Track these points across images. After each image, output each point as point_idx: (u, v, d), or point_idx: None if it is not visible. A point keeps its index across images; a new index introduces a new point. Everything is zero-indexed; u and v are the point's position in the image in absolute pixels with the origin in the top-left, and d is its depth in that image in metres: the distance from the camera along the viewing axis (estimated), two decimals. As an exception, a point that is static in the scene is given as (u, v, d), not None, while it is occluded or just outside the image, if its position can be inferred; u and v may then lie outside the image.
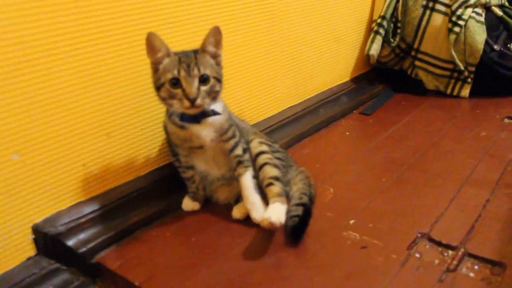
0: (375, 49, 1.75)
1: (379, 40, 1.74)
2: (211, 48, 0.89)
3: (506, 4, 1.77)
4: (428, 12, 1.67)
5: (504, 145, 1.27)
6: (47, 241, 0.89)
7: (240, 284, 0.80)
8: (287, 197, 1.01)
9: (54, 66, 0.86)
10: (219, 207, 1.05)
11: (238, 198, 1.00)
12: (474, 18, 1.61)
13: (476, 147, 1.26)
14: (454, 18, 1.62)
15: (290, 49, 1.42)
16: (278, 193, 0.94)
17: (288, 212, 0.92)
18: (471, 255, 0.83)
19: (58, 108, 0.88)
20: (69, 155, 0.92)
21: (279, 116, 1.42)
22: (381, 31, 1.73)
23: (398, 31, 1.73)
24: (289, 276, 0.81)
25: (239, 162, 0.97)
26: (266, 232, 0.92)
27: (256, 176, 0.98)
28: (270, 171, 0.97)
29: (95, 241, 0.91)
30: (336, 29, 1.62)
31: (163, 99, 0.88)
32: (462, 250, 0.84)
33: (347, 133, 1.48)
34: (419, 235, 0.90)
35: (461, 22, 1.61)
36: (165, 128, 0.98)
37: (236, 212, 0.99)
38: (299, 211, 0.92)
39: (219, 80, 0.89)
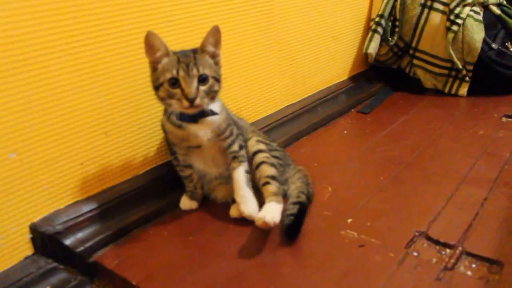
0: (373, 47, 1.75)
1: (377, 38, 1.74)
2: (210, 48, 0.89)
3: (504, 2, 1.77)
4: (426, 10, 1.67)
5: (502, 144, 1.27)
6: (45, 240, 0.88)
7: (238, 282, 0.80)
8: (285, 195, 1.01)
9: (52, 65, 0.86)
10: (217, 206, 1.05)
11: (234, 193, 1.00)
12: (472, 16, 1.61)
13: (474, 146, 1.27)
14: (452, 17, 1.62)
15: (288, 48, 1.42)
16: (274, 192, 0.94)
17: (285, 210, 0.92)
18: (469, 254, 0.83)
19: (56, 107, 0.88)
20: (66, 154, 0.91)
21: (277, 114, 1.42)
22: (379, 29, 1.73)
23: (396, 29, 1.73)
24: (287, 274, 0.82)
25: (234, 157, 0.97)
26: (264, 231, 0.92)
27: (252, 174, 0.99)
28: (267, 170, 0.97)
29: (93, 240, 0.91)
30: (334, 28, 1.62)
31: (161, 99, 0.88)
32: (460, 248, 0.84)
33: (345, 132, 1.48)
34: (416, 233, 0.90)
35: (459, 21, 1.61)
36: (163, 127, 0.98)
37: (234, 211, 0.99)
38: (295, 209, 0.92)
39: (218, 80, 0.89)
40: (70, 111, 0.90)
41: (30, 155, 0.86)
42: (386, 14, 1.72)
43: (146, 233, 0.97)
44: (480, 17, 1.63)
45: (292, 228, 0.90)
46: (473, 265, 0.80)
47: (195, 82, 0.85)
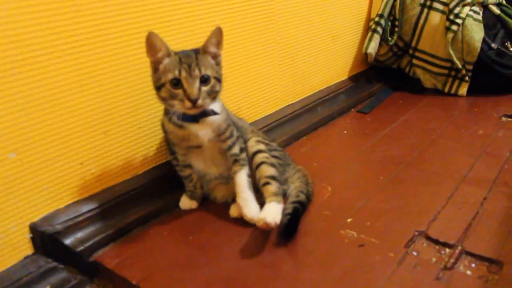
0: (373, 47, 1.75)
1: (377, 38, 1.74)
2: (212, 49, 0.89)
3: (504, 2, 1.77)
4: (425, 10, 1.67)
5: (502, 143, 1.27)
6: (45, 239, 0.88)
7: (238, 282, 0.80)
8: (285, 195, 1.01)
9: (51, 65, 0.86)
10: (217, 205, 1.05)
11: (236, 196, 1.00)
12: (471, 16, 1.61)
13: (473, 146, 1.27)
14: (451, 17, 1.62)
15: (287, 47, 1.42)
16: (275, 193, 0.94)
17: (284, 210, 0.93)
18: (468, 253, 0.83)
19: (55, 107, 0.88)
20: (66, 154, 0.91)
21: (277, 114, 1.42)
22: (379, 29, 1.73)
23: (396, 29, 1.73)
24: (287, 274, 0.82)
25: (235, 161, 0.97)
26: (264, 230, 0.92)
27: (252, 175, 0.99)
28: (267, 170, 0.98)
29: (93, 240, 0.91)
30: (334, 28, 1.62)
31: (163, 99, 0.88)
32: (459, 248, 0.84)
33: (345, 132, 1.48)
34: (416, 233, 0.90)
35: (458, 21, 1.61)
36: (163, 126, 0.98)
37: (234, 211, 0.99)
38: (291, 209, 0.93)
39: (219, 80, 0.89)
40: (70, 111, 0.90)
41: (29, 155, 0.86)
42: (385, 14, 1.72)
43: (146, 233, 0.97)
44: (480, 17, 1.63)
45: (288, 228, 0.90)
46: (473, 265, 0.80)
47: (197, 83, 0.85)
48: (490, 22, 1.68)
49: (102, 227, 0.94)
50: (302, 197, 0.98)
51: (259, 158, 1.00)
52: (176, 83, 0.85)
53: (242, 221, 0.97)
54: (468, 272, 0.78)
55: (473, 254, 0.82)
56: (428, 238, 0.88)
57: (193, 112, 0.88)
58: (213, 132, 0.93)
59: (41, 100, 0.85)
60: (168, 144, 1.02)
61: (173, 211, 1.04)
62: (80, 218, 0.92)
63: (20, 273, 0.85)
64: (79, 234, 0.91)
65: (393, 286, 0.77)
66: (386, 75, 1.90)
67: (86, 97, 0.92)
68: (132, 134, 1.02)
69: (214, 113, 0.91)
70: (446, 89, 1.73)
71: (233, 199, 1.02)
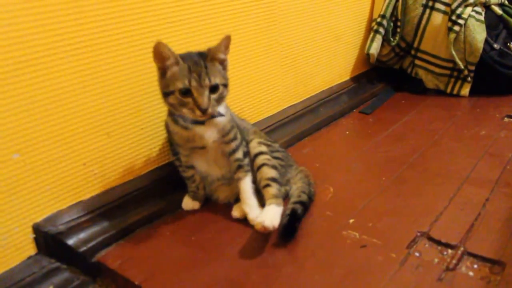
0: (375, 48, 1.75)
1: (379, 39, 1.74)
2: (221, 56, 0.89)
3: (506, 3, 1.77)
4: (428, 11, 1.67)
5: (504, 144, 1.27)
6: (48, 240, 0.89)
7: (240, 282, 0.81)
8: (287, 196, 1.01)
9: (54, 66, 0.86)
10: (219, 206, 1.05)
11: (238, 197, 1.00)
12: (474, 17, 1.61)
13: (476, 146, 1.27)
14: (454, 17, 1.62)
15: (290, 48, 1.42)
16: (274, 195, 0.95)
17: (285, 211, 0.93)
18: (471, 254, 0.83)
19: (58, 108, 0.88)
20: (69, 155, 0.92)
21: (279, 115, 1.43)
22: (381, 30, 1.73)
23: (398, 30, 1.73)
24: (288, 275, 0.82)
25: (239, 166, 0.98)
26: (262, 233, 0.92)
27: (253, 176, 0.99)
28: (268, 172, 0.98)
29: (96, 240, 0.91)
30: (336, 28, 1.62)
31: (171, 105, 0.88)
32: (462, 249, 0.84)
33: (347, 132, 1.48)
34: (418, 234, 0.90)
35: (461, 21, 1.61)
36: (167, 127, 0.98)
37: (236, 212, 1.00)
38: (289, 210, 0.93)
39: (226, 85, 0.90)
40: (73, 112, 0.91)
41: (33, 156, 0.86)
42: (387, 14, 1.72)
43: (149, 233, 0.97)
44: (482, 17, 1.63)
45: (286, 228, 0.90)
46: (475, 266, 0.80)
47: (207, 92, 0.85)
48: (493, 23, 1.67)
49: (105, 227, 0.94)
50: (304, 197, 0.98)
51: (260, 160, 1.00)
52: (186, 91, 0.85)
53: (244, 222, 0.97)
54: (470, 273, 0.78)
55: (475, 255, 0.82)
56: (430, 239, 0.88)
57: (202, 119, 0.89)
58: (218, 133, 0.94)
59: (44, 101, 0.86)
60: (171, 144, 1.02)
61: (176, 212, 1.05)
62: (83, 219, 0.93)
63: (23, 273, 0.85)
64: (82, 235, 0.91)
65: (395, 287, 0.77)
66: (388, 76, 1.89)
67: (89, 98, 0.93)
68: (134, 135, 1.03)
69: (220, 114, 0.92)
70: (448, 90, 1.73)
71: (235, 200, 1.02)
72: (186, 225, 1.00)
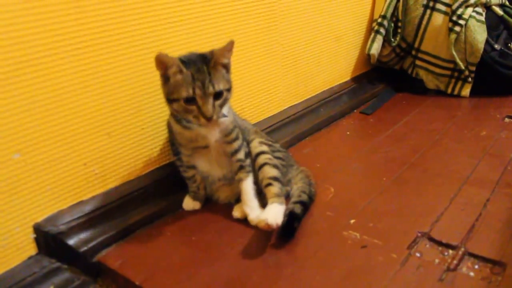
0: (375, 48, 1.75)
1: (379, 39, 1.74)
2: (225, 61, 0.89)
3: (507, 3, 1.77)
4: (428, 11, 1.67)
5: (505, 145, 1.27)
6: (48, 240, 0.89)
7: (240, 283, 0.81)
8: (288, 196, 1.01)
9: (55, 66, 0.86)
10: (220, 206, 1.05)
11: (239, 197, 1.00)
12: (474, 17, 1.61)
13: (476, 147, 1.27)
14: (454, 18, 1.62)
15: (290, 49, 1.42)
16: (277, 194, 0.95)
17: (285, 210, 0.93)
18: (471, 255, 0.83)
19: (59, 108, 0.88)
20: (70, 155, 0.92)
21: (279, 115, 1.43)
22: (382, 30, 1.73)
23: (399, 30, 1.73)
24: (289, 275, 0.82)
25: (241, 167, 0.98)
26: (266, 231, 0.92)
27: (255, 176, 0.99)
28: (270, 172, 0.98)
29: (96, 240, 0.91)
30: (336, 29, 1.62)
31: (175, 111, 0.89)
32: (463, 249, 0.84)
33: (348, 133, 1.48)
34: (419, 234, 0.90)
35: (461, 22, 1.61)
36: (170, 127, 0.98)
37: (237, 212, 1.00)
38: (288, 210, 0.93)
39: (229, 89, 0.90)
40: (73, 112, 0.91)
41: (33, 156, 0.86)
42: (388, 15, 1.72)
43: (149, 233, 0.97)
44: (483, 18, 1.63)
45: (285, 228, 0.90)
46: (476, 266, 0.80)
47: (211, 100, 0.85)
48: (493, 23, 1.67)
49: (105, 227, 0.94)
50: (304, 197, 0.98)
51: (262, 159, 1.00)
52: (190, 100, 0.85)
53: (245, 222, 0.97)
54: (471, 274, 0.78)
55: (476, 256, 0.82)
56: (431, 239, 0.88)
57: (207, 126, 0.89)
58: (220, 133, 0.94)
59: (44, 101, 0.86)
60: (172, 145, 1.02)
61: (176, 212, 1.05)
62: (84, 219, 0.93)
63: (23, 273, 0.85)
64: (83, 235, 0.91)
65: (396, 287, 0.77)
66: (389, 76, 1.89)
67: (90, 98, 0.93)
68: (135, 135, 1.03)
69: (223, 115, 0.92)
70: (449, 90, 1.73)
71: (236, 200, 1.02)
72: (186, 225, 1.00)
